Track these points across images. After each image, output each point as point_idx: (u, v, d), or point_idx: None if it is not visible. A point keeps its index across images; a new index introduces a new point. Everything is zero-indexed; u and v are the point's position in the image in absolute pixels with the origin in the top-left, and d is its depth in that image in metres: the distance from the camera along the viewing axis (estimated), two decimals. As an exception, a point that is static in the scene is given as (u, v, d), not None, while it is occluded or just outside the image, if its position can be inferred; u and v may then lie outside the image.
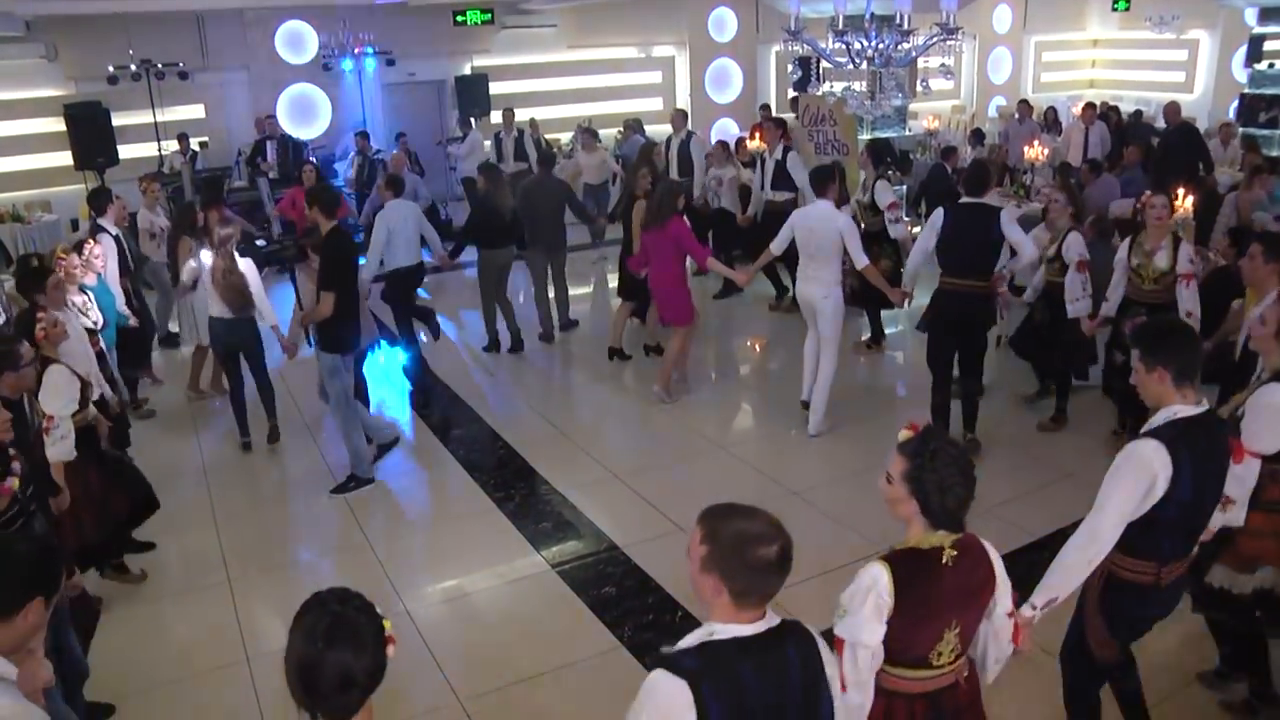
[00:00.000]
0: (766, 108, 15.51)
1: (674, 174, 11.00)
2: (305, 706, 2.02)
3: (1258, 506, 3.74)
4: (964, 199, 6.64)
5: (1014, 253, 6.57)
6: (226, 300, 6.92)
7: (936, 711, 2.74)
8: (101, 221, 8.07)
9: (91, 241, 7.38)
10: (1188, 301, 6.13)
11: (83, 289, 6.75)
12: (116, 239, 7.97)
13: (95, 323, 6.61)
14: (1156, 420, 3.21)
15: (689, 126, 11.78)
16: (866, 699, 2.65)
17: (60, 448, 4.58)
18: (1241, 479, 3.49)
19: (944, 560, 2.62)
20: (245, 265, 7.02)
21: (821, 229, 6.84)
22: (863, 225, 8.33)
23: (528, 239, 9.26)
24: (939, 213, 6.57)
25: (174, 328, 9.31)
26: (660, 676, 2.14)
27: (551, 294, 9.64)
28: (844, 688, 2.52)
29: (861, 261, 6.83)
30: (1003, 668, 2.90)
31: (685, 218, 7.76)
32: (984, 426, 6.80)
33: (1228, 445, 3.30)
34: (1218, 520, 3.49)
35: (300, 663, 1.99)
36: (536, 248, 9.37)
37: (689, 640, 2.21)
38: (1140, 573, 3.30)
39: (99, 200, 8.24)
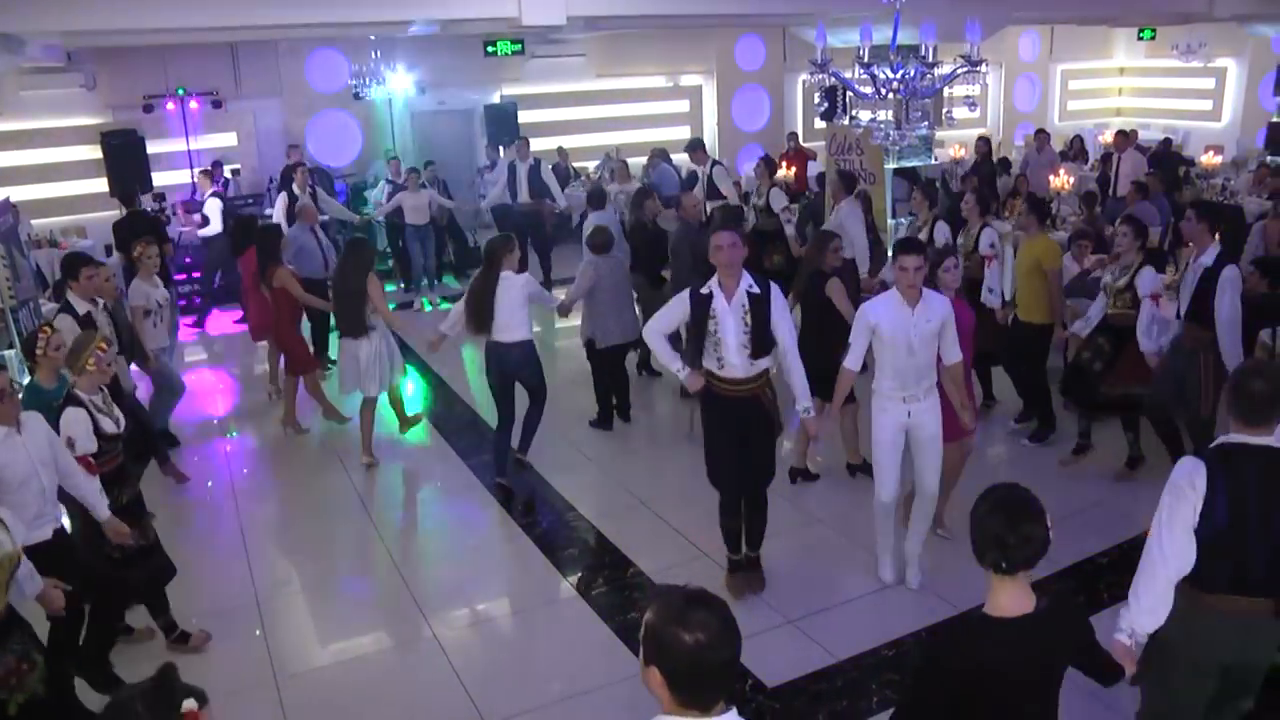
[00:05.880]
0: (794, 136, 15.60)
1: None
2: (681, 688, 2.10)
3: None
4: None
5: None
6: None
7: None
8: (70, 297, 6.44)
9: (47, 331, 5.25)
10: (990, 279, 7.30)
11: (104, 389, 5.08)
12: (87, 316, 6.33)
13: (118, 422, 4.98)
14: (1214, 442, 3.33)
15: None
16: None
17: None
18: None
19: None
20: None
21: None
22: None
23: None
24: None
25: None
26: None
27: None
28: None
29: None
30: None
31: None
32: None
33: None
34: None
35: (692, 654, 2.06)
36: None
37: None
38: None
39: (70, 267, 6.53)
